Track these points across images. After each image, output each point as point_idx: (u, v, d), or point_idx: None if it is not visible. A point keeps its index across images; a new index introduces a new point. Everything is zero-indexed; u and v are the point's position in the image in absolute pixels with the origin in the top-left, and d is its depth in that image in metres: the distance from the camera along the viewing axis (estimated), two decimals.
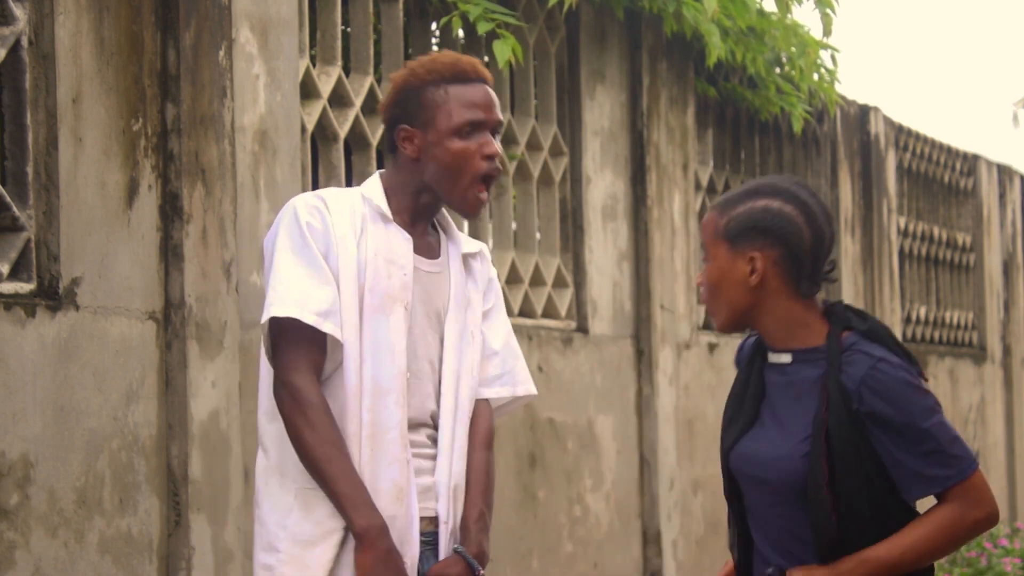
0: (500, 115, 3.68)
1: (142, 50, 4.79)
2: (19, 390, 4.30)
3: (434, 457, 3.66)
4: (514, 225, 7.21)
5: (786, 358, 3.36)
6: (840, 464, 3.25)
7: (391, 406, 3.58)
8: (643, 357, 7.60)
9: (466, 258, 3.79)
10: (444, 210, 3.78)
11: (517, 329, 6.69)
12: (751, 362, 3.45)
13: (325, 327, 3.50)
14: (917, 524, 3.29)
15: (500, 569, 6.51)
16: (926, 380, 3.34)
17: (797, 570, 3.27)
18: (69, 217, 4.50)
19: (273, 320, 3.53)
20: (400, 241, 3.64)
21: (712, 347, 8.31)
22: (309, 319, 3.50)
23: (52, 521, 4.38)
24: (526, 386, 3.89)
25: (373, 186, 3.68)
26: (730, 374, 8.46)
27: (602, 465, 7.26)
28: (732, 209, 3.37)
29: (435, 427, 3.68)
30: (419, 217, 3.69)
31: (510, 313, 6.81)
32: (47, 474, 4.37)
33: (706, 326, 8.48)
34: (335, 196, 3.63)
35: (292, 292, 3.51)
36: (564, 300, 7.20)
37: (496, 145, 3.65)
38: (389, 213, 3.64)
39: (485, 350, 3.80)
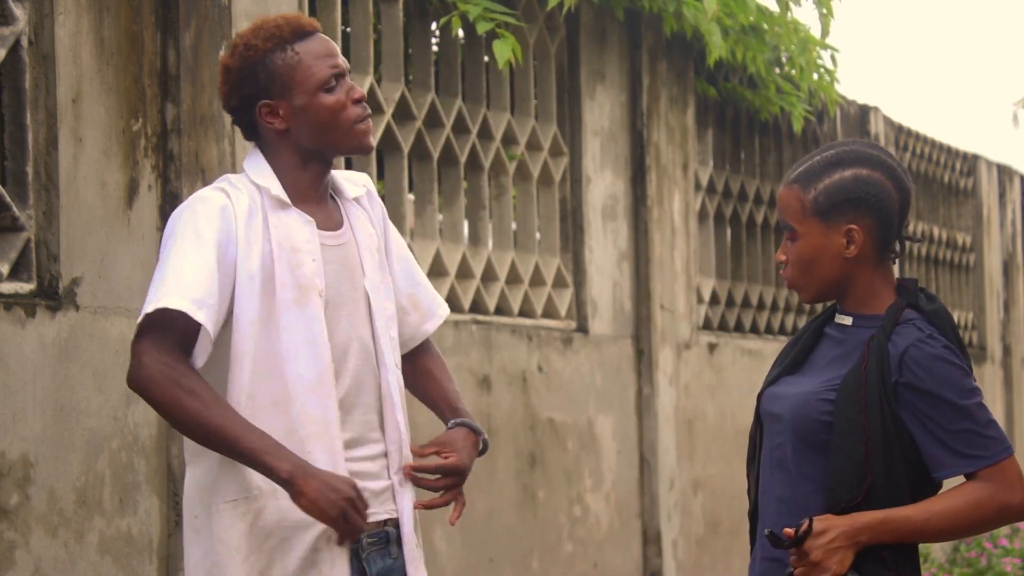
0: (346, 60, 3.56)
1: (142, 50, 4.79)
2: (19, 390, 4.30)
3: (378, 456, 3.57)
4: (514, 225, 7.21)
5: (848, 320, 3.37)
6: (869, 422, 3.24)
7: (323, 399, 3.45)
8: (643, 357, 7.60)
9: (358, 203, 3.66)
10: (334, 175, 3.65)
11: (517, 329, 6.69)
12: (815, 319, 3.46)
13: (199, 316, 3.34)
14: (946, 495, 3.26)
15: (500, 569, 6.51)
16: (974, 378, 3.31)
17: (821, 519, 3.24)
18: (69, 217, 4.51)
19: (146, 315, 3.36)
20: (301, 226, 3.49)
21: (712, 347, 8.32)
22: (183, 306, 3.32)
23: (52, 521, 4.38)
24: (442, 310, 3.82)
25: (262, 172, 3.52)
26: (730, 374, 8.49)
27: (602, 465, 7.26)
28: (818, 182, 3.33)
29: (378, 406, 3.58)
30: (315, 190, 3.55)
31: (510, 313, 6.81)
32: (47, 474, 4.37)
33: (706, 326, 8.49)
34: (235, 190, 3.47)
35: (172, 283, 3.34)
36: (564, 300, 7.20)
37: (358, 88, 3.55)
38: (287, 198, 3.49)
39: (405, 283, 3.71)
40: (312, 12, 5.79)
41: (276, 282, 3.44)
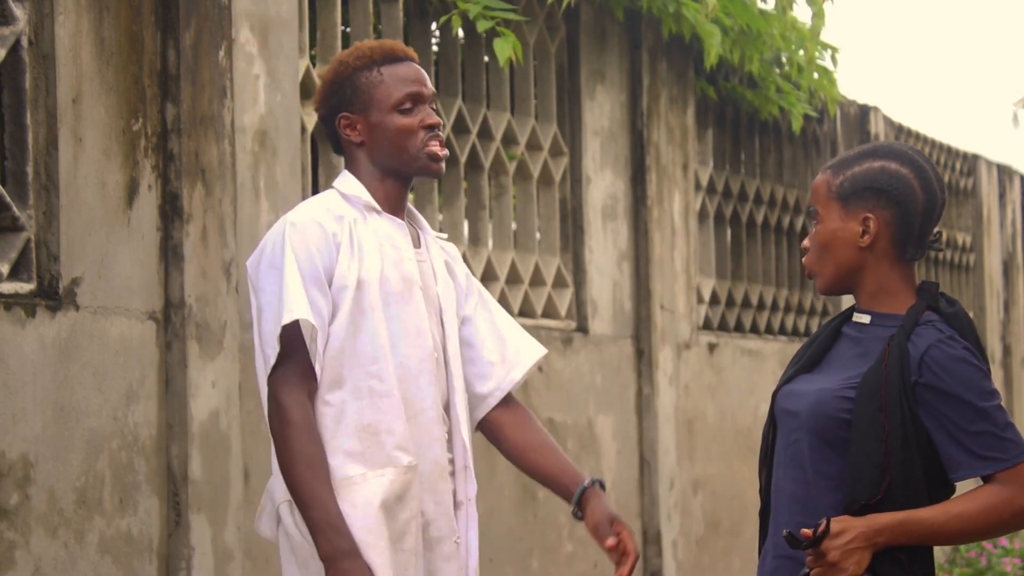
0: (433, 88, 3.73)
1: (142, 50, 4.79)
2: (19, 390, 4.30)
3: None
4: (514, 225, 7.21)
5: (865, 319, 3.37)
6: (888, 420, 3.24)
7: (424, 387, 3.60)
8: (643, 357, 7.60)
9: (441, 247, 3.84)
10: (413, 209, 3.82)
11: None
12: (833, 320, 3.46)
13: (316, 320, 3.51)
14: (963, 498, 3.26)
15: (500, 569, 6.51)
16: (992, 381, 3.32)
17: (838, 520, 3.24)
18: (69, 217, 4.51)
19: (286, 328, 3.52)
20: (396, 229, 3.68)
21: (712, 347, 8.31)
22: (303, 314, 3.51)
23: (52, 521, 4.38)
24: (540, 349, 3.94)
25: (351, 184, 3.70)
26: (730, 374, 8.49)
27: (602, 465, 7.26)
28: (848, 169, 3.36)
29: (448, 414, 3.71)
30: (396, 204, 3.72)
31: (510, 313, 6.81)
32: (47, 474, 4.37)
33: (706, 326, 8.49)
34: (331, 205, 3.66)
35: (292, 300, 3.52)
36: (564, 300, 7.20)
37: (435, 116, 3.70)
38: (378, 205, 3.67)
39: (490, 338, 3.85)
40: (312, 12, 5.79)
41: (382, 276, 3.59)
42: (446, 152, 3.72)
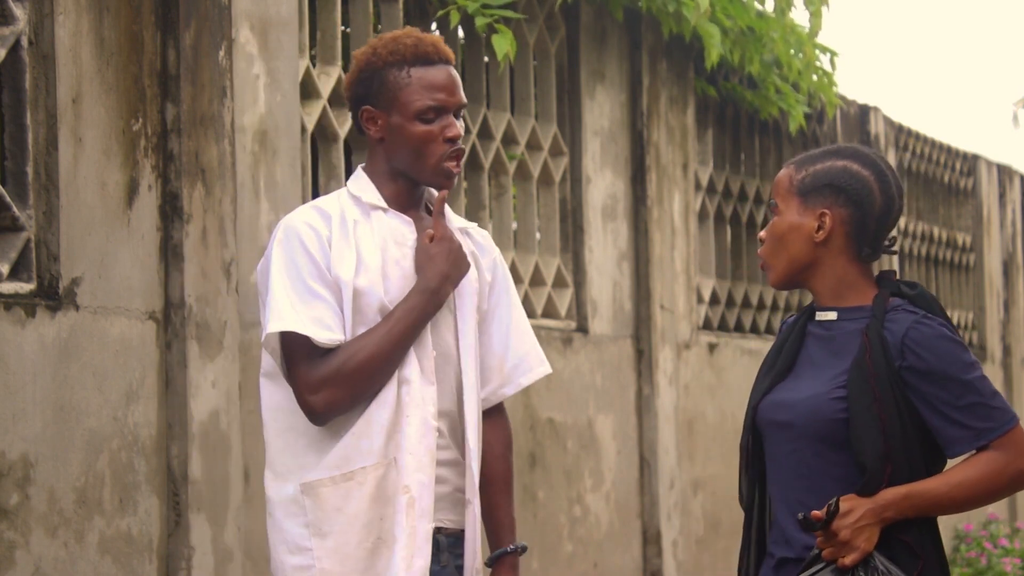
0: (463, 97, 3.67)
1: (142, 50, 4.79)
2: (19, 390, 4.30)
3: (451, 464, 3.63)
4: (514, 225, 7.21)
5: (832, 315, 3.43)
6: (883, 409, 3.31)
7: (424, 384, 3.56)
8: (643, 357, 7.60)
9: (467, 235, 3.77)
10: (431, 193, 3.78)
11: None
12: (795, 323, 3.51)
13: (322, 336, 3.49)
14: (962, 467, 3.33)
15: None
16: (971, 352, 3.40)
17: (845, 498, 3.30)
18: (69, 217, 4.51)
19: (282, 336, 3.50)
20: (401, 225, 3.63)
21: (712, 347, 8.31)
22: (308, 331, 3.48)
23: (52, 521, 4.38)
24: (541, 368, 3.86)
25: (361, 183, 3.67)
26: (730, 374, 8.48)
27: (602, 465, 7.26)
28: (811, 166, 3.44)
29: (458, 421, 3.64)
30: (408, 200, 3.68)
31: None
32: (47, 474, 4.37)
33: (706, 326, 8.49)
34: (324, 206, 3.61)
35: (290, 306, 3.49)
36: (564, 300, 7.20)
37: (458, 127, 3.66)
38: (384, 203, 3.64)
39: (497, 343, 3.77)
40: (312, 12, 5.79)
41: (383, 274, 3.56)
42: (459, 168, 3.69)
